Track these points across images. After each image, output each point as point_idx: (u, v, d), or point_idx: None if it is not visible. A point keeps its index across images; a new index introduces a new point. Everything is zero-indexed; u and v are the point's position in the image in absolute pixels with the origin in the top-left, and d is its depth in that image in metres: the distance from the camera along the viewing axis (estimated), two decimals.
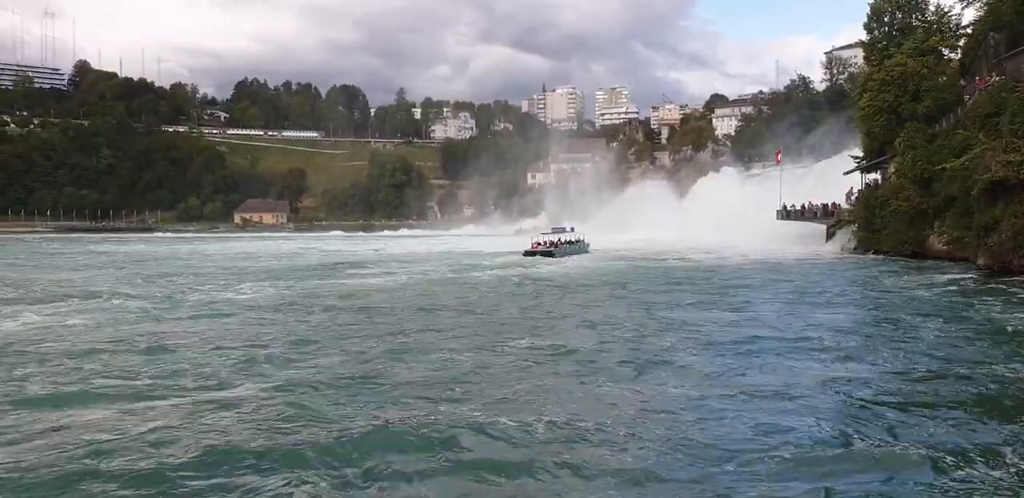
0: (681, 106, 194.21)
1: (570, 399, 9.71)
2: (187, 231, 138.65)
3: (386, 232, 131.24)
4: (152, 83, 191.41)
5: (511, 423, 8.35)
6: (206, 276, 32.05)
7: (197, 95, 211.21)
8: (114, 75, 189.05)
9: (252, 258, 49.28)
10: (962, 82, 39.79)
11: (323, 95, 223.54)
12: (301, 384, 10.49)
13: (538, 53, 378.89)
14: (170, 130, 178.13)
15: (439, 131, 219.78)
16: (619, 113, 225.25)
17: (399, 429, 8.22)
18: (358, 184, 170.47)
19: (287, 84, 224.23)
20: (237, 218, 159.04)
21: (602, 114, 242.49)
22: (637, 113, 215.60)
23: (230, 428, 8.32)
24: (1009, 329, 14.87)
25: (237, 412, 9.01)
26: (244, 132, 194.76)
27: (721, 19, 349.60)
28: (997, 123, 29.11)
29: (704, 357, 12.62)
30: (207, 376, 11.17)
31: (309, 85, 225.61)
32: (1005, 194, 26.94)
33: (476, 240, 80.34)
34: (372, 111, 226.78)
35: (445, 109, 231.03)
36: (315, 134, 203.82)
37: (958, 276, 26.37)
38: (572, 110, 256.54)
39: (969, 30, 45.11)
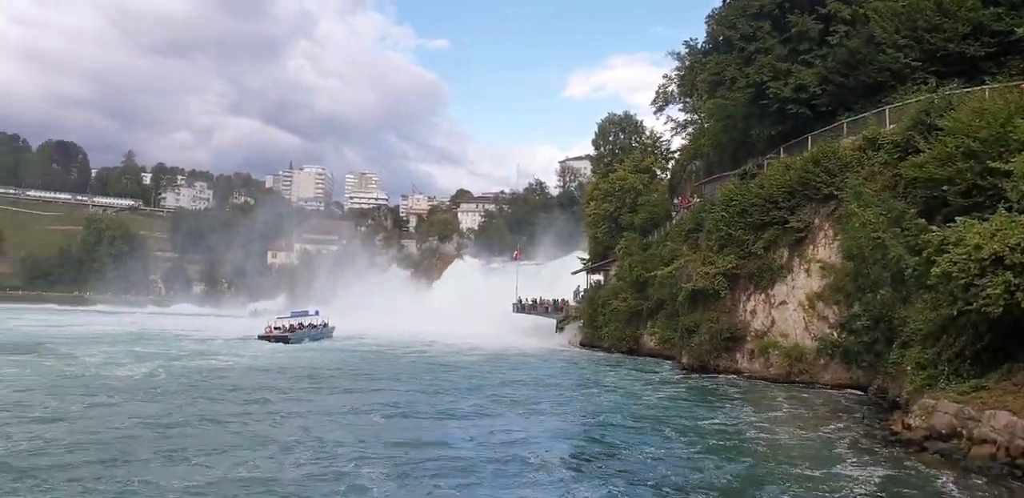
0: (429, 197, 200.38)
1: None
2: None
3: (99, 307, 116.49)
4: None
5: None
6: None
7: None
8: None
9: None
10: (676, 200, 45.14)
11: (34, 149, 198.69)
12: None
13: (290, 131, 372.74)
14: None
15: (171, 200, 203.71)
16: (369, 198, 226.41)
17: None
18: (69, 251, 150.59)
19: None
20: None
21: (351, 197, 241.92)
22: (387, 200, 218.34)
23: None
24: (726, 442, 15.36)
25: None
26: None
27: (472, 121, 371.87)
28: (697, 238, 33.05)
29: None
30: None
31: (16, 136, 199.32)
32: (704, 301, 30.24)
33: (200, 321, 73.54)
34: (93, 172, 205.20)
35: (180, 177, 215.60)
36: (17, 191, 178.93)
37: (668, 375, 28.74)
38: (320, 190, 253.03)
39: (677, 155, 52.05)
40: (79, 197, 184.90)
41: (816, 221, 26.15)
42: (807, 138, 28.42)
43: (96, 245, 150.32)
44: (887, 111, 25.21)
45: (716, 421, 17.73)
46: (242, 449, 13.48)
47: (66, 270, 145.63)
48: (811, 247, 26.10)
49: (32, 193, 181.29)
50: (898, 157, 22.39)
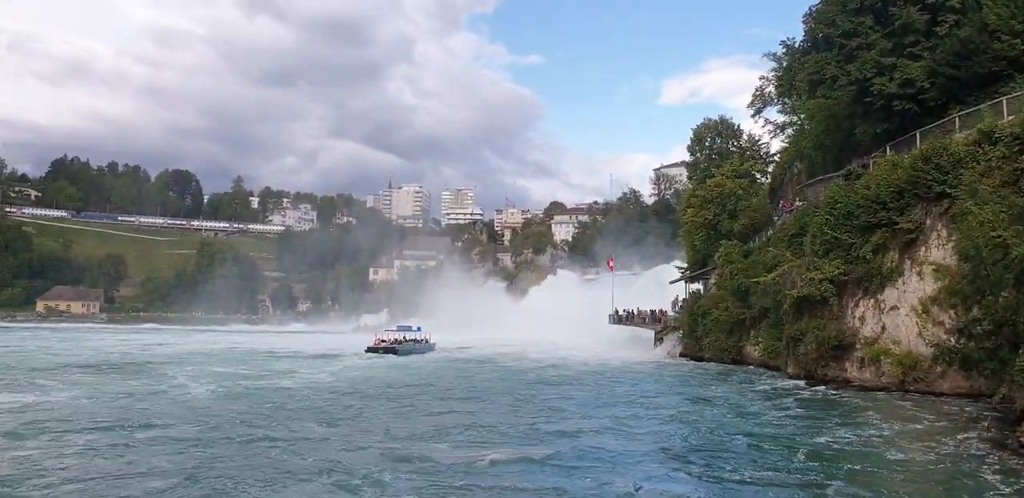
0: (523, 211, 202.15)
1: None
2: None
3: (213, 327, 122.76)
4: None
5: None
6: None
7: (5, 170, 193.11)
8: None
9: None
10: (780, 203, 43.72)
11: (152, 178, 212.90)
12: None
13: (390, 151, 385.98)
14: None
15: (277, 221, 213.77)
16: (464, 214, 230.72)
17: None
18: (184, 274, 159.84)
19: (112, 165, 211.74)
20: (40, 306, 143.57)
21: (447, 213, 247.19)
22: (481, 215, 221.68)
23: None
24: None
25: None
26: (57, 213, 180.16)
27: (566, 133, 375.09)
28: (801, 243, 31.86)
29: None
30: None
31: (137, 167, 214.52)
32: (810, 308, 29.06)
33: (305, 337, 76.43)
34: (205, 198, 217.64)
35: (285, 199, 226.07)
36: (139, 219, 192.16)
37: (778, 387, 27.52)
38: (418, 208, 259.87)
39: (777, 158, 50.48)
40: (193, 222, 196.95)
41: (928, 221, 24.76)
42: (915, 135, 27.02)
43: (208, 267, 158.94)
44: (1004, 102, 23.70)
45: (839, 438, 16.50)
46: (318, 473, 12.77)
47: (182, 291, 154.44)
48: (923, 249, 24.72)
49: (151, 220, 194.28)
50: (1018, 150, 21.04)
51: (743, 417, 20.21)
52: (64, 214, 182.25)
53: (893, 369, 24.52)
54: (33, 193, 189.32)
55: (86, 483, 12.10)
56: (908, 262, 25.17)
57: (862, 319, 26.77)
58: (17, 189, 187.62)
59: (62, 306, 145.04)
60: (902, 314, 24.97)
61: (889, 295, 25.65)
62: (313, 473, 12.75)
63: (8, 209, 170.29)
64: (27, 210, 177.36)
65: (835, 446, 15.72)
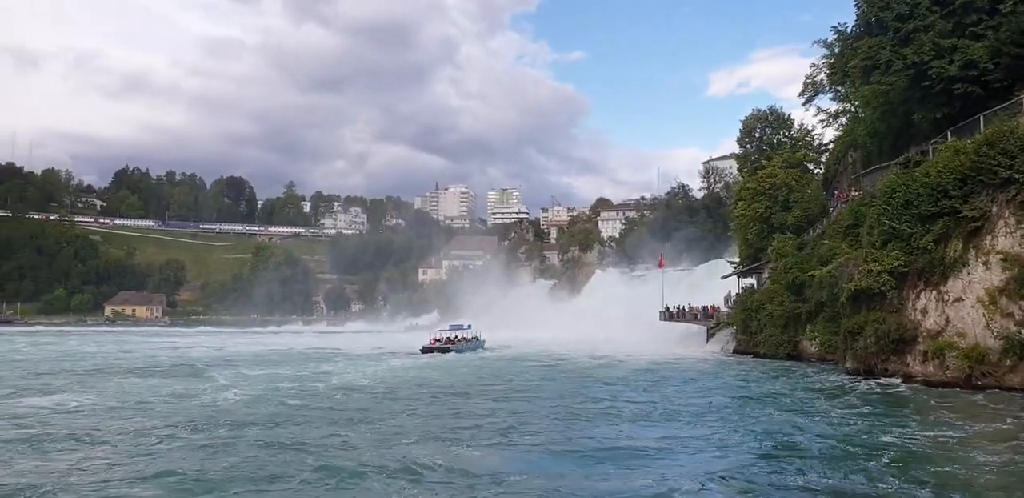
0: (569, 208, 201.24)
1: None
2: (50, 325, 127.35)
3: (270, 328, 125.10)
4: (21, 168, 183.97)
5: None
6: None
7: (72, 182, 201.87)
8: None
9: None
10: (835, 193, 42.51)
11: (208, 185, 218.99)
12: None
13: (437, 153, 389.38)
14: (38, 217, 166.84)
15: (328, 225, 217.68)
16: (510, 213, 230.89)
17: None
18: (240, 277, 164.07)
19: (170, 173, 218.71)
20: (108, 311, 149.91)
21: (493, 213, 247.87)
22: (527, 213, 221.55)
23: None
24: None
25: None
26: (121, 221, 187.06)
27: (612, 130, 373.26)
28: (857, 234, 30.89)
29: None
30: None
31: (194, 175, 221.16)
32: (868, 301, 28.11)
33: (358, 337, 77.29)
34: (259, 203, 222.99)
35: (336, 203, 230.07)
36: (197, 225, 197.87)
37: (840, 383, 26.53)
38: (464, 208, 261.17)
39: (830, 147, 49.09)
40: (271, 228, 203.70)
41: (994, 209, 23.64)
42: (979, 119, 25.86)
43: (263, 271, 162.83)
44: None
45: (916, 438, 15.32)
46: (340, 479, 12.16)
47: (239, 295, 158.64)
48: (989, 237, 23.62)
49: (208, 226, 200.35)
50: None
51: (810, 416, 19.12)
52: (152, 224, 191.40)
53: (959, 363, 23.53)
54: (98, 203, 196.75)
55: (100, 485, 11.84)
56: (973, 252, 24.10)
57: (924, 311, 25.74)
58: (84, 199, 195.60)
59: (128, 310, 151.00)
60: (967, 306, 23.93)
61: (953, 286, 24.60)
62: (336, 479, 12.14)
63: (102, 220, 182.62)
64: (119, 221, 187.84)
65: (914, 446, 14.67)
